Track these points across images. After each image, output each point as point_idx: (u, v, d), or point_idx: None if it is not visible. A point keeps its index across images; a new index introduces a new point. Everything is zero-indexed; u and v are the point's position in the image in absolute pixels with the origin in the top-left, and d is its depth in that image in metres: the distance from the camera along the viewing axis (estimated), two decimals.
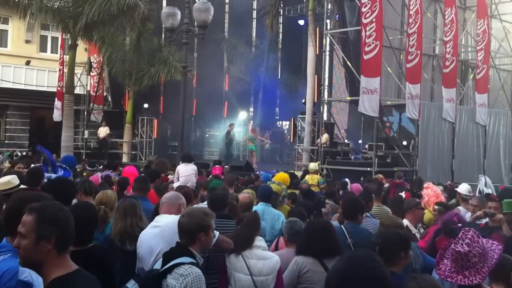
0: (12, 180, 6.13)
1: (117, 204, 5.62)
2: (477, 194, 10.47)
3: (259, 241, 4.89)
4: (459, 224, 5.69)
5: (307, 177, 14.01)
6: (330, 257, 4.60)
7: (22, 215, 2.98)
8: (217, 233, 4.66)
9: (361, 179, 16.42)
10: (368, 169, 18.21)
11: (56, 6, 18.09)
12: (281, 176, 10.79)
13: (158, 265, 3.93)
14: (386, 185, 13.73)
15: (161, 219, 4.82)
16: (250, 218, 4.98)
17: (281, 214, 7.04)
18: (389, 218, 5.76)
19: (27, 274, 3.08)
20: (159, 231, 4.70)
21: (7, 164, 13.05)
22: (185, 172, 11.67)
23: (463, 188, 9.74)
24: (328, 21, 22.64)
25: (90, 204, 4.55)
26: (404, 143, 22.12)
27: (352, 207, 6.09)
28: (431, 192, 7.92)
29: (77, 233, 4.00)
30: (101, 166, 13.78)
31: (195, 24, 13.85)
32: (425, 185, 8.35)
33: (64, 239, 2.82)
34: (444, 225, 5.75)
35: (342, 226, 5.82)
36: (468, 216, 8.28)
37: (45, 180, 7.35)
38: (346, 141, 24.22)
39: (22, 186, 6.21)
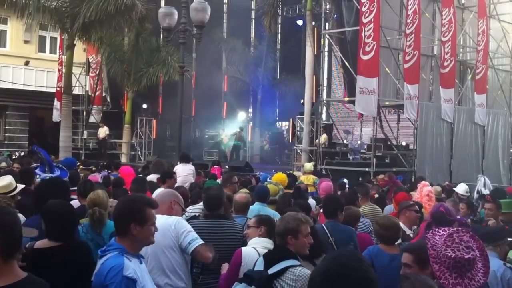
0: (12, 182, 6.14)
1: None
2: (475, 194, 10.47)
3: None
4: (458, 217, 5.69)
5: (302, 177, 14.05)
6: (318, 256, 4.58)
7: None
8: (199, 241, 4.60)
9: (360, 179, 16.42)
10: (367, 169, 18.20)
11: (54, 6, 18.07)
12: (279, 177, 10.73)
13: (259, 267, 3.95)
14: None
15: None
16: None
17: (276, 214, 7.03)
18: (385, 217, 5.75)
19: (131, 270, 3.43)
20: None
21: (3, 165, 13.07)
22: (183, 172, 11.66)
23: (461, 188, 9.76)
24: (326, 21, 22.61)
25: (64, 202, 4.51)
26: (403, 143, 22.12)
27: (332, 205, 6.14)
28: (417, 195, 7.96)
29: (50, 230, 4.06)
30: (96, 167, 13.76)
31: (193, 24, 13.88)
32: (419, 184, 8.34)
33: (10, 246, 2.62)
34: (433, 218, 5.71)
35: (323, 225, 5.83)
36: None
37: (38, 180, 7.37)
38: (345, 141, 24.21)
39: (19, 186, 6.22)
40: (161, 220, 4.66)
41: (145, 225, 3.57)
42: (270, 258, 3.93)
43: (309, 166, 15.36)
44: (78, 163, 14.59)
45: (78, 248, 4.13)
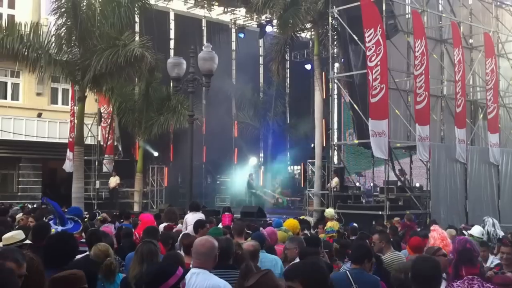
0: (15, 235, 6.14)
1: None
2: (485, 236, 10.21)
3: None
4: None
5: (329, 224, 13.63)
6: None
7: None
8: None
9: (373, 223, 16.20)
10: (380, 212, 17.97)
11: (65, 59, 18.42)
12: (291, 223, 10.62)
13: None
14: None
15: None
16: (242, 269, 4.90)
17: (278, 259, 6.94)
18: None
19: None
20: None
21: (19, 216, 13.04)
22: (193, 221, 11.54)
23: (476, 230, 9.53)
24: (334, 65, 22.79)
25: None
26: (417, 185, 21.89)
27: (359, 251, 5.90)
28: (437, 235, 7.70)
29: None
30: (99, 216, 13.71)
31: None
32: (432, 228, 8.13)
33: None
34: (460, 256, 5.50)
35: (347, 271, 5.66)
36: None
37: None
38: (357, 184, 24.02)
39: (27, 241, 6.18)
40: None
41: None
42: None
43: (332, 212, 15.03)
44: (86, 213, 14.56)
45: None
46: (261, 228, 10.24)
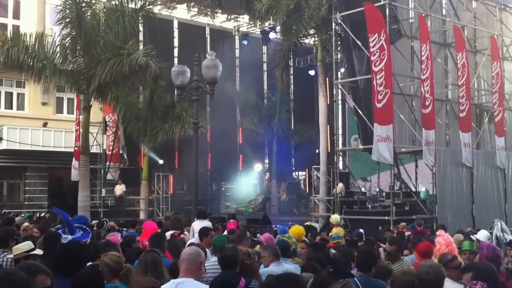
0: (21, 246, 6.16)
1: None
2: (493, 240, 10.15)
3: None
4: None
5: (335, 230, 13.58)
6: None
7: None
8: None
9: (379, 228, 16.17)
10: (386, 217, 17.91)
11: (70, 69, 18.48)
12: (296, 229, 10.57)
13: None
14: (407, 233, 13.47)
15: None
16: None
17: (298, 268, 6.91)
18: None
19: None
20: None
21: (26, 224, 13.02)
22: None
23: (482, 235, 9.45)
24: (338, 70, 22.81)
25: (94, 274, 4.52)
26: (423, 189, 21.81)
27: (366, 258, 5.93)
28: (442, 241, 7.68)
29: None
30: (108, 224, 13.66)
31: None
32: (437, 233, 8.10)
33: None
34: (493, 262, 5.47)
35: (355, 278, 5.66)
36: None
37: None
38: (363, 189, 23.98)
39: (37, 251, 6.19)
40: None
41: None
42: None
43: (338, 218, 14.96)
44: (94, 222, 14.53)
45: None
46: (258, 235, 10.23)
